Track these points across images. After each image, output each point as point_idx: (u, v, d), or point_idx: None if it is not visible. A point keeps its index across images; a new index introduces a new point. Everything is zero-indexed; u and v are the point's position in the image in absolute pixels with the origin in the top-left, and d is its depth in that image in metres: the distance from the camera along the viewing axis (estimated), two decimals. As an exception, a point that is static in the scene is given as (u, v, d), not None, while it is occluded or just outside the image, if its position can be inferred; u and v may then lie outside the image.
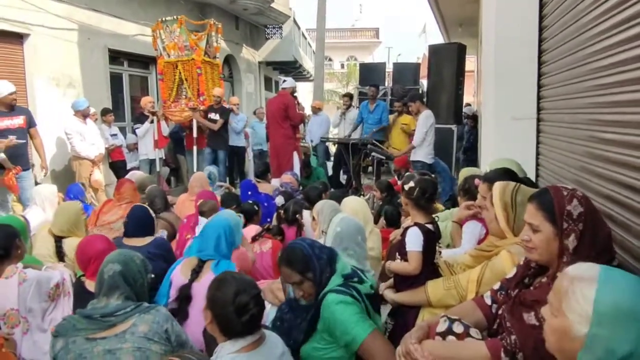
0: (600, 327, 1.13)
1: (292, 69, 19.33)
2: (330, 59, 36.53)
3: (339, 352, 2.13)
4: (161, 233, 3.99)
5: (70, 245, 3.31)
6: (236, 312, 1.81)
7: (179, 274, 2.73)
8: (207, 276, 2.63)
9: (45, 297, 2.62)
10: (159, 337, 2.00)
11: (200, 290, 2.60)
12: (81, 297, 2.59)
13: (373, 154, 7.61)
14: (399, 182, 6.02)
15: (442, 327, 1.74)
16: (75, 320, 1.99)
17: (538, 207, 1.61)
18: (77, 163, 6.85)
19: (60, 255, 3.39)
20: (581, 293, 1.17)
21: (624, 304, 1.12)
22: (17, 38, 6.99)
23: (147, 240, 3.28)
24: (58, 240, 3.43)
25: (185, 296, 2.59)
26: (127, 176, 5.80)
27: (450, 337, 1.70)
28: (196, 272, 2.68)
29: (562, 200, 1.58)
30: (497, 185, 2.16)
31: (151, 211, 3.54)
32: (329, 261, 2.19)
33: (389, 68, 15.21)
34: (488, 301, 1.90)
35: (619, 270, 1.24)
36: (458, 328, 1.72)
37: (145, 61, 10.06)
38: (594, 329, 1.13)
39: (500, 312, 1.79)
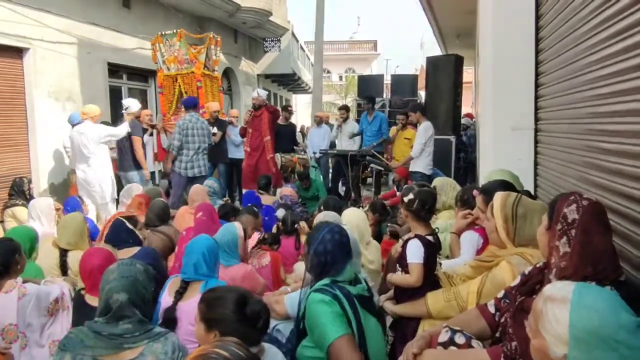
0: (578, 351, 1.12)
1: (290, 81, 19.45)
2: (328, 71, 36.74)
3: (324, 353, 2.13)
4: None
5: (75, 258, 3.30)
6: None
7: (167, 296, 2.72)
8: (195, 297, 2.61)
9: (45, 312, 2.60)
10: None
11: (186, 310, 2.59)
12: (81, 310, 2.55)
13: (372, 165, 7.61)
14: (398, 194, 6.02)
15: (444, 337, 1.73)
16: (84, 334, 1.92)
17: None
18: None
19: (64, 268, 3.38)
20: (554, 315, 1.17)
21: (598, 327, 1.10)
22: (17, 52, 7.03)
23: (133, 250, 3.26)
24: (63, 253, 3.42)
25: (169, 319, 2.54)
26: (125, 188, 5.80)
27: (452, 348, 1.69)
28: (179, 294, 2.65)
29: (564, 201, 1.60)
30: (498, 197, 2.15)
31: (128, 223, 3.54)
32: (332, 258, 2.19)
33: (387, 80, 15.29)
34: (492, 309, 1.90)
35: (594, 287, 1.22)
36: (460, 339, 1.71)
37: (144, 74, 10.12)
38: (572, 352, 1.12)
39: (503, 320, 1.78)
